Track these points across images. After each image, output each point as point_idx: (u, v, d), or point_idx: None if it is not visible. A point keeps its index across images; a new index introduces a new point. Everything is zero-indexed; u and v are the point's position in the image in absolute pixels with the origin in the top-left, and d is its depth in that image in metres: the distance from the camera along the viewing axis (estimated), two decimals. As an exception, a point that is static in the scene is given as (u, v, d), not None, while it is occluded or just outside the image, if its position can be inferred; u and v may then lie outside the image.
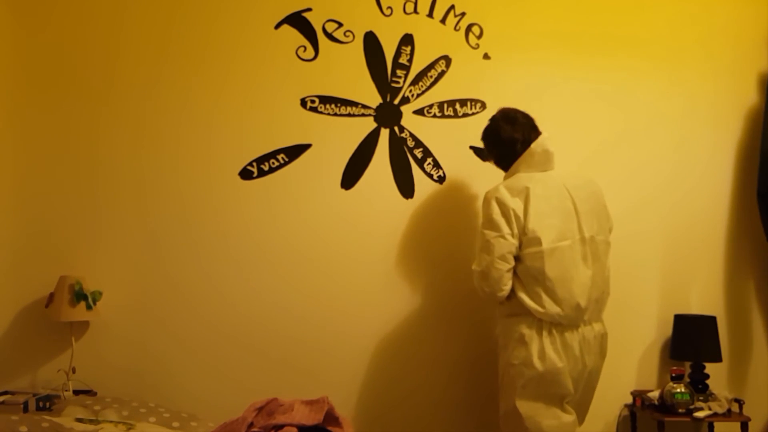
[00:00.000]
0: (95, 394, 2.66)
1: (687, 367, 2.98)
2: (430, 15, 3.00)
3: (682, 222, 3.11)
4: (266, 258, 2.87)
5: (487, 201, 2.47)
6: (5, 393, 2.59)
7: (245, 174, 2.88)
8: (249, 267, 2.86)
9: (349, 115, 2.93)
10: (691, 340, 2.92)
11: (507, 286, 2.41)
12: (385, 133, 2.96)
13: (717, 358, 2.91)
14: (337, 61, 2.93)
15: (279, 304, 2.86)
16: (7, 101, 2.80)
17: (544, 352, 2.36)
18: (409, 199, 2.96)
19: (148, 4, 2.87)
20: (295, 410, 2.14)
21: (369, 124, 2.95)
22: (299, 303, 2.87)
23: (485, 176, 2.90)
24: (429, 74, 2.98)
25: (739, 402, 2.87)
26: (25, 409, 2.42)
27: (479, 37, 3.02)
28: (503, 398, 2.48)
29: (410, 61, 2.97)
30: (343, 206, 2.91)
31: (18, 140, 2.81)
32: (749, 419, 2.82)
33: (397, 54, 2.97)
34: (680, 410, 2.77)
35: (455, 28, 3.01)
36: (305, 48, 2.92)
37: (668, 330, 3.05)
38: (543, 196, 2.43)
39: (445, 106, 2.99)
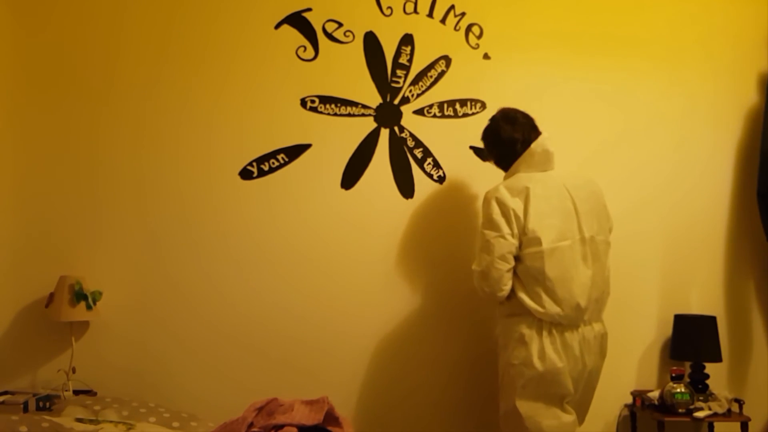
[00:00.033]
0: (95, 394, 2.66)
1: (687, 367, 2.98)
2: (430, 15, 3.00)
3: (682, 222, 3.11)
4: (266, 258, 2.87)
5: (487, 201, 2.47)
6: (5, 393, 2.59)
7: (245, 174, 2.88)
8: (249, 267, 2.86)
9: (349, 115, 2.93)
10: (691, 340, 2.92)
11: (507, 286, 2.41)
12: (385, 133, 2.96)
13: (717, 358, 2.91)
14: (337, 61, 2.93)
15: (279, 304, 2.86)
16: (7, 101, 2.80)
17: (544, 352, 2.36)
18: (409, 199, 2.96)
19: (148, 4, 2.87)
20: (295, 410, 2.14)
21: (369, 124, 2.95)
22: (299, 303, 2.87)
23: (485, 176, 2.90)
24: (429, 74, 2.99)
25: (739, 402, 2.87)
26: (25, 409, 2.42)
27: (479, 37, 3.02)
28: (503, 398, 2.48)
29: (410, 61, 2.97)
30: (343, 206, 2.91)
31: (18, 140, 2.81)
32: (749, 419, 2.83)
33: (397, 54, 2.97)
34: (680, 410, 2.77)
35: (455, 28, 3.01)
36: (305, 48, 2.92)
37: (668, 330, 3.05)
38: (543, 196, 2.43)
39: (445, 106, 2.99)
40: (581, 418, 2.54)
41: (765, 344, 3.15)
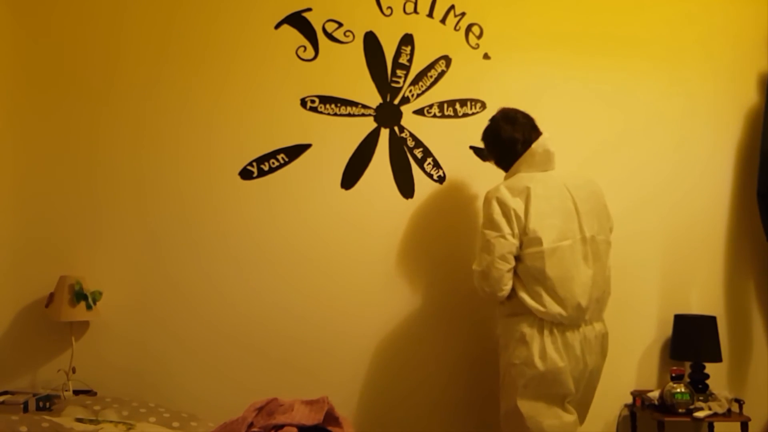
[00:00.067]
0: (95, 394, 2.66)
1: (687, 367, 2.98)
2: (430, 15, 3.00)
3: (682, 222, 3.11)
4: (266, 258, 2.87)
5: (487, 201, 2.47)
6: (5, 393, 2.59)
7: (245, 174, 2.88)
8: (249, 267, 2.86)
9: (349, 115, 2.93)
10: (691, 340, 2.92)
11: (507, 286, 2.41)
12: (385, 133, 2.96)
13: (717, 358, 2.91)
14: (337, 61, 2.93)
15: (279, 304, 2.86)
16: (7, 101, 2.80)
17: (545, 351, 2.36)
18: (409, 199, 2.96)
19: (148, 5, 2.87)
20: (295, 410, 2.14)
21: (369, 124, 2.95)
22: (299, 303, 2.87)
23: (485, 176, 2.90)
24: (429, 74, 2.99)
25: (739, 402, 2.87)
26: (25, 409, 2.42)
27: (479, 37, 3.02)
28: (504, 398, 2.48)
29: (410, 61, 2.97)
30: (343, 206, 2.91)
31: (18, 140, 2.81)
32: (749, 419, 2.83)
33: (397, 54, 2.97)
34: (680, 410, 2.77)
35: (455, 28, 3.01)
36: (305, 48, 2.92)
37: (668, 330, 3.05)
38: (544, 196, 2.43)
39: (445, 106, 2.99)
40: (582, 418, 2.54)
41: (765, 344, 3.15)
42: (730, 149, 3.17)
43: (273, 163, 2.89)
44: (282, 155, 2.90)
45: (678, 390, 2.78)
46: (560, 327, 2.39)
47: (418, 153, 2.97)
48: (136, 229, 2.82)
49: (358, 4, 2.95)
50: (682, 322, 2.96)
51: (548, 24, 3.05)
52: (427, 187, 2.97)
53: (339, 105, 2.92)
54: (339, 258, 2.90)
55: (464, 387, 2.93)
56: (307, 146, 2.91)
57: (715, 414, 2.81)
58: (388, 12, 2.97)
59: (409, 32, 2.97)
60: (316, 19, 2.93)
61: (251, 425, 2.06)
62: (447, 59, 2.99)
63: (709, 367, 2.93)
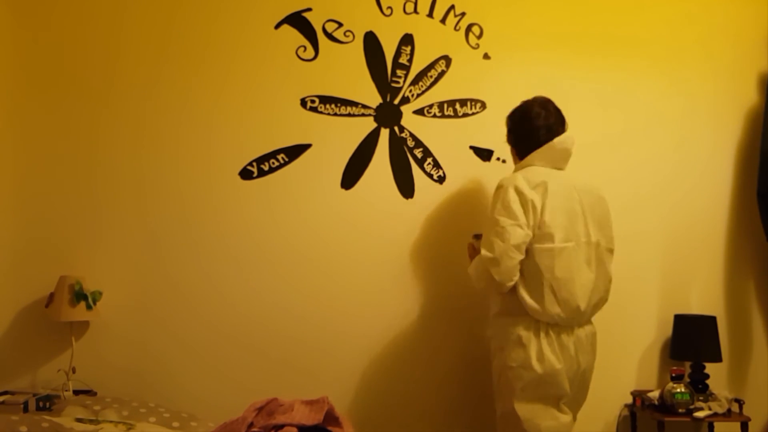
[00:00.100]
0: (95, 394, 2.66)
1: (687, 367, 2.98)
2: (430, 15, 3.00)
3: (682, 222, 3.11)
4: (266, 258, 2.87)
5: (504, 188, 2.40)
6: (5, 393, 2.59)
7: (245, 174, 2.88)
8: (249, 267, 2.86)
9: (349, 115, 2.93)
10: (691, 340, 2.92)
11: (516, 277, 2.36)
12: (385, 133, 2.96)
13: (717, 358, 2.91)
14: (337, 61, 2.93)
15: (279, 304, 2.86)
16: (7, 101, 2.80)
17: (543, 354, 2.35)
18: (409, 199, 2.96)
19: (148, 4, 2.87)
20: (295, 410, 2.14)
21: (369, 124, 2.95)
22: (299, 303, 2.87)
23: (485, 176, 2.91)
24: (429, 74, 2.99)
25: (739, 402, 2.87)
26: (25, 409, 2.42)
27: (479, 37, 3.02)
28: (500, 401, 2.47)
29: (410, 61, 2.97)
30: (343, 206, 2.91)
31: (18, 140, 2.81)
32: (749, 419, 2.83)
33: (397, 54, 2.97)
34: (680, 410, 2.77)
35: (455, 28, 3.01)
36: (305, 48, 2.92)
37: (668, 330, 3.05)
38: (558, 193, 2.40)
39: (445, 106, 2.99)
40: (574, 416, 2.53)
41: (765, 344, 3.15)
42: (730, 149, 3.17)
43: (273, 163, 2.89)
44: (282, 155, 2.90)
45: (678, 390, 2.78)
46: (555, 328, 2.38)
47: (418, 153, 2.97)
48: (136, 229, 2.82)
49: (358, 4, 2.95)
50: (682, 322, 2.96)
51: (548, 24, 3.05)
52: (427, 187, 2.97)
53: (339, 105, 2.92)
54: (339, 258, 2.90)
55: (464, 386, 2.93)
56: (307, 146, 2.91)
57: (715, 414, 2.81)
58: (388, 12, 2.97)
59: (409, 32, 2.97)
60: (316, 19, 2.93)
61: (251, 425, 2.06)
62: (447, 59, 2.99)
63: (709, 367, 2.93)
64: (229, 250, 2.85)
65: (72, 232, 2.80)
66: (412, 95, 2.97)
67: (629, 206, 3.05)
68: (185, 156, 2.85)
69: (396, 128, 2.96)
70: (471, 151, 2.99)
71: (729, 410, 2.84)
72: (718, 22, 3.17)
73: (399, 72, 2.97)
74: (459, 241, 2.79)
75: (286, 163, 2.90)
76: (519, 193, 2.37)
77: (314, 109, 2.92)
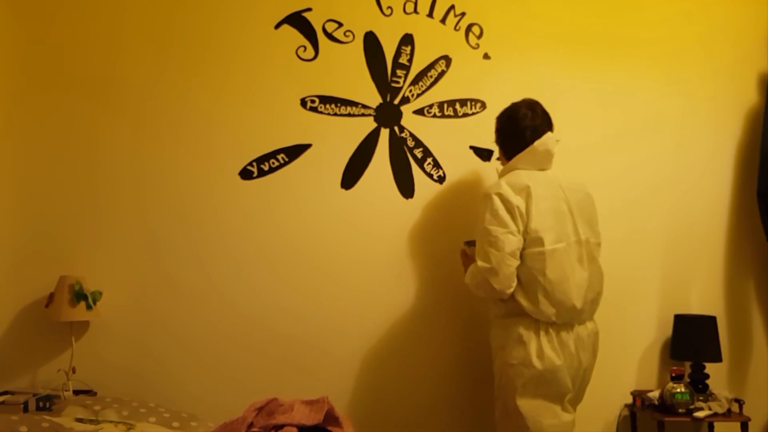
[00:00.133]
0: (95, 394, 2.66)
1: (687, 367, 2.98)
2: (430, 15, 3.00)
3: (682, 222, 3.11)
4: (266, 258, 2.87)
5: (489, 197, 2.42)
6: (5, 393, 2.59)
7: (245, 174, 2.88)
8: (249, 267, 2.86)
9: (349, 115, 2.93)
10: (691, 340, 2.92)
11: (515, 283, 2.38)
12: (385, 133, 2.96)
13: (717, 358, 2.91)
14: (337, 61, 2.93)
15: (279, 304, 2.86)
16: (7, 101, 2.80)
17: (543, 351, 2.36)
18: (409, 199, 2.96)
19: (148, 5, 2.87)
20: (295, 410, 2.14)
21: (369, 124, 2.95)
22: (299, 303, 2.87)
23: (485, 176, 2.91)
24: (429, 74, 2.99)
25: (739, 402, 2.88)
26: (25, 409, 2.42)
27: (479, 37, 3.02)
28: (501, 399, 2.48)
29: (410, 61, 2.97)
30: (343, 206, 2.91)
31: (18, 140, 2.81)
32: (749, 419, 2.83)
33: (397, 54, 2.97)
34: (680, 410, 2.77)
35: (455, 28, 3.01)
36: (305, 48, 2.92)
37: (668, 330, 3.05)
38: (543, 196, 2.43)
39: (445, 106, 2.99)
40: None
41: (765, 344, 3.15)
42: (730, 149, 3.17)
43: (273, 163, 2.90)
44: (282, 155, 2.90)
45: (678, 390, 2.78)
46: (555, 327, 2.39)
47: (418, 153, 2.97)
48: (136, 229, 2.82)
49: (358, 4, 2.96)
50: (682, 322, 2.96)
51: (548, 24, 3.05)
52: (427, 187, 2.97)
53: (339, 105, 2.92)
54: (339, 258, 2.90)
55: (463, 386, 2.93)
56: (307, 146, 2.91)
57: (715, 414, 2.81)
58: (388, 12, 2.97)
59: (409, 32, 2.97)
60: (316, 19, 2.93)
61: (251, 425, 2.06)
62: (447, 59, 2.99)
63: (709, 367, 2.94)
64: (229, 250, 2.85)
65: (72, 232, 2.80)
66: (412, 95, 2.97)
67: (629, 206, 3.05)
68: (185, 156, 2.85)
69: (396, 128, 2.96)
70: (471, 151, 2.99)
71: (729, 410, 2.84)
72: (718, 22, 3.17)
73: (399, 72, 2.97)
74: (459, 241, 2.79)
75: (286, 163, 2.90)
76: (504, 200, 2.39)
77: (314, 109, 2.92)
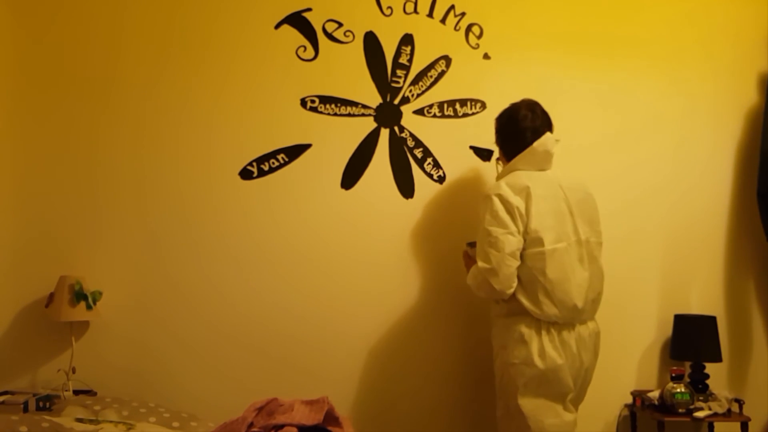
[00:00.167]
0: (95, 394, 2.66)
1: (687, 367, 2.98)
2: (430, 15, 3.00)
3: (682, 222, 3.11)
4: (266, 258, 2.87)
5: (489, 198, 2.44)
6: (5, 393, 2.59)
7: (245, 174, 2.88)
8: (249, 267, 2.86)
9: (349, 115, 2.93)
10: (691, 340, 2.92)
11: (515, 284, 2.39)
12: (385, 133, 2.96)
13: (717, 358, 2.91)
14: (337, 61, 2.93)
15: (279, 304, 2.86)
16: (7, 101, 2.80)
17: (544, 350, 2.37)
18: (409, 199, 2.96)
19: (148, 5, 2.87)
20: (295, 410, 2.14)
21: (369, 124, 2.95)
22: (299, 303, 2.87)
23: (485, 176, 2.91)
24: (429, 74, 2.99)
25: (739, 402, 2.87)
26: (25, 409, 2.42)
27: (479, 37, 3.02)
28: (502, 398, 2.48)
29: (410, 61, 2.97)
30: (343, 206, 2.91)
31: (18, 140, 2.81)
32: (749, 419, 2.83)
33: (397, 54, 2.97)
34: (680, 410, 2.77)
35: (455, 28, 3.01)
36: (305, 48, 2.92)
37: (668, 330, 3.05)
38: (542, 196, 2.43)
39: (445, 106, 2.99)
40: None
41: (765, 344, 3.15)
42: (730, 149, 3.17)
43: (273, 163, 2.89)
44: (282, 155, 2.90)
45: (678, 390, 2.78)
46: (556, 326, 2.40)
47: (418, 153, 2.97)
48: (136, 229, 2.82)
49: (358, 4, 2.96)
50: (682, 322, 2.96)
51: (548, 24, 3.05)
52: (427, 187, 2.97)
53: (339, 105, 2.92)
54: (339, 258, 2.90)
55: (464, 385, 2.93)
56: (307, 146, 2.91)
57: (715, 414, 2.81)
58: (388, 12, 2.97)
59: (409, 32, 2.97)
60: (316, 19, 2.93)
61: (251, 425, 2.06)
62: (447, 59, 2.99)
63: (709, 367, 2.94)
64: (229, 250, 2.85)
65: (72, 232, 2.80)
66: (412, 95, 2.97)
67: (629, 206, 3.05)
68: (185, 156, 2.85)
69: (396, 128, 2.96)
70: (471, 151, 2.99)
71: (729, 410, 2.84)
72: (718, 22, 3.17)
73: (399, 72, 2.97)
74: (459, 241, 2.79)
75: (286, 163, 2.90)
76: (504, 201, 2.40)
77: (314, 109, 2.92)
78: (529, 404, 2.38)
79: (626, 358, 3.04)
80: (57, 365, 2.72)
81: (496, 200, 2.41)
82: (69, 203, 2.81)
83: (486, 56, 3.02)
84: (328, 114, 2.92)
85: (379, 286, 2.91)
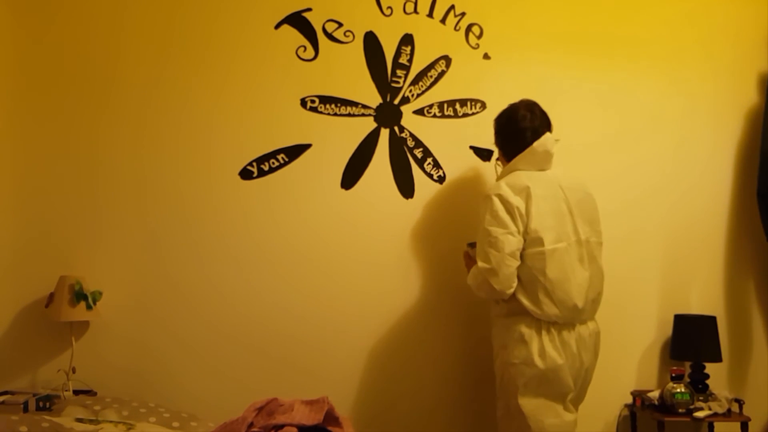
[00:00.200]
0: (95, 394, 2.66)
1: (687, 367, 2.98)
2: (430, 15, 3.00)
3: (682, 222, 3.11)
4: (266, 258, 2.87)
5: (489, 198, 2.44)
6: (5, 393, 2.59)
7: (245, 174, 2.88)
8: (249, 267, 2.86)
9: (349, 115, 2.93)
10: (691, 340, 2.92)
11: (515, 284, 2.39)
12: (385, 133, 2.96)
13: (717, 358, 2.91)
14: (337, 61, 2.93)
15: (279, 304, 2.86)
16: (7, 101, 2.80)
17: (545, 350, 2.37)
18: (409, 199, 2.96)
19: (148, 5, 2.87)
20: (295, 410, 2.14)
21: (369, 124, 2.95)
22: (299, 303, 2.87)
23: (485, 176, 2.91)
24: (429, 74, 2.99)
25: (739, 402, 2.87)
26: (25, 409, 2.42)
27: (479, 37, 3.02)
28: (502, 398, 2.48)
29: (410, 61, 2.97)
30: (343, 206, 2.91)
31: (18, 140, 2.81)
32: (749, 419, 2.83)
33: (397, 54, 2.97)
34: (680, 410, 2.77)
35: (455, 28, 3.01)
36: (305, 48, 2.92)
37: (668, 330, 3.05)
38: (542, 196, 2.43)
39: (445, 106, 2.99)
40: None
41: (765, 344, 3.15)
42: (730, 149, 3.17)
43: (273, 163, 2.90)
44: (282, 155, 2.90)
45: (678, 390, 2.78)
46: (556, 326, 2.40)
47: (418, 153, 2.97)
48: (136, 229, 2.82)
49: (358, 4, 2.96)
50: (682, 322, 2.96)
51: (548, 24, 3.05)
52: (427, 187, 2.97)
53: (339, 105, 2.92)
54: (339, 258, 2.90)
55: (464, 385, 2.93)
56: (307, 146, 2.91)
57: (715, 414, 2.81)
58: (388, 12, 2.97)
59: (409, 32, 2.97)
60: (316, 19, 2.93)
61: (251, 425, 2.06)
62: (447, 59, 2.99)
63: (709, 367, 2.94)
64: (229, 250, 2.85)
65: (72, 232, 2.80)
66: (412, 95, 2.97)
67: (629, 206, 3.05)
68: (185, 156, 2.85)
69: (396, 128, 2.96)
70: (471, 151, 2.99)
71: (729, 410, 2.84)
72: (718, 22, 3.17)
73: (399, 72, 2.97)
74: (459, 241, 2.79)
75: (286, 163, 2.90)
76: (504, 201, 2.40)
77: (314, 109, 2.92)
78: (529, 404, 2.38)
79: (626, 358, 3.04)
80: (57, 365, 2.72)
81: (496, 200, 2.41)
82: (69, 203, 2.81)
83: (486, 56, 3.02)
84: (328, 114, 2.92)
85: (379, 286, 2.91)
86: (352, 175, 2.93)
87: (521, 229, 2.39)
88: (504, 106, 2.65)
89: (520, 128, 2.53)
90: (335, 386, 2.77)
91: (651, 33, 3.12)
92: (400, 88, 2.97)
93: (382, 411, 2.89)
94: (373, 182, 2.93)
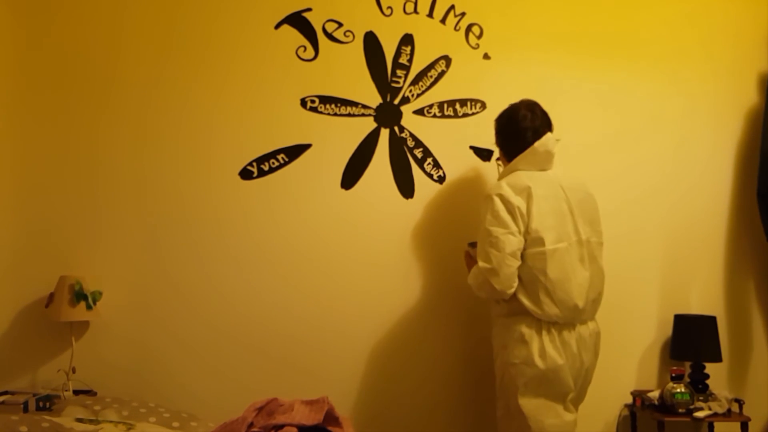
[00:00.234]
0: (95, 394, 2.66)
1: (687, 367, 2.98)
2: (430, 15, 3.00)
3: (682, 222, 3.11)
4: (266, 258, 2.87)
5: (490, 198, 2.44)
6: (5, 393, 2.59)
7: (245, 174, 2.88)
8: (249, 267, 2.86)
9: (349, 115, 2.93)
10: (691, 340, 2.92)
11: (516, 284, 2.39)
12: (385, 133, 2.96)
13: (717, 358, 2.91)
14: (337, 61, 2.93)
15: (279, 304, 2.86)
16: (7, 101, 2.80)
17: (545, 350, 2.37)
18: (409, 199, 2.96)
19: (149, 5, 2.87)
20: (295, 410, 2.14)
21: (369, 124, 2.95)
22: (299, 303, 2.87)
23: (485, 176, 2.91)
24: (429, 74, 2.99)
25: (739, 402, 2.88)
26: (25, 409, 2.42)
27: (479, 37, 3.02)
28: (502, 398, 2.48)
29: (410, 61, 2.97)
30: (343, 206, 2.91)
31: (18, 140, 2.81)
32: (749, 419, 2.83)
33: (397, 54, 2.97)
34: (680, 410, 2.77)
35: (455, 28, 3.01)
36: (305, 48, 2.92)
37: (668, 330, 3.05)
38: (543, 196, 2.43)
39: (445, 106, 2.99)
40: None
41: (765, 344, 3.16)
42: (730, 149, 3.18)
43: (273, 163, 2.90)
44: (282, 155, 2.90)
45: (678, 390, 2.78)
46: (557, 326, 2.40)
47: (418, 153, 2.97)
48: (136, 229, 2.82)
49: (358, 4, 2.96)
50: (682, 322, 2.96)
51: (548, 24, 3.05)
52: (427, 187, 2.97)
53: (339, 105, 2.92)
54: (339, 258, 2.90)
55: (464, 385, 2.93)
56: (307, 146, 2.91)
57: (715, 414, 2.81)
58: (388, 12, 2.97)
59: (409, 32, 2.97)
60: (316, 19, 2.93)
61: (251, 425, 2.06)
62: (447, 59, 2.99)
63: (709, 367, 2.94)
64: (229, 250, 2.85)
65: (72, 231, 2.80)
66: (412, 95, 2.97)
67: (629, 206, 3.05)
68: (185, 156, 2.85)
69: (396, 128, 2.96)
70: (471, 151, 2.99)
71: (729, 410, 2.84)
72: (718, 22, 3.17)
73: (399, 72, 2.97)
74: (459, 241, 2.79)
75: (286, 163, 2.90)
76: (505, 201, 2.40)
77: (314, 109, 2.92)
78: (529, 404, 2.38)
79: (626, 358, 3.04)
80: (57, 365, 2.72)
81: (497, 200, 2.41)
82: (69, 203, 2.81)
83: (486, 56, 3.02)
84: (328, 114, 2.92)
85: (379, 286, 2.91)
86: (352, 175, 2.93)
87: (522, 229, 2.39)
88: (504, 106, 2.64)
89: (521, 128, 2.53)
90: (335, 386, 2.77)
91: (651, 33, 3.12)
92: (400, 88, 2.97)
93: (382, 411, 2.89)
94: (373, 182, 2.93)
